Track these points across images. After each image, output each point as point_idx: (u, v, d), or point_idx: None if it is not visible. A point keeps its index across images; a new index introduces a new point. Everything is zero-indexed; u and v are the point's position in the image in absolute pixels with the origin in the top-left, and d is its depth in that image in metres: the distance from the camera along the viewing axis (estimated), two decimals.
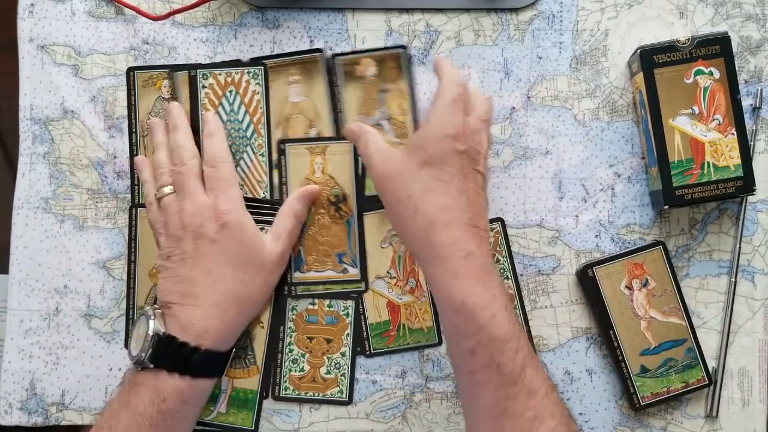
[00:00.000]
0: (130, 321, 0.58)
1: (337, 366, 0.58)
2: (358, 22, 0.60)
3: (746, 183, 0.55)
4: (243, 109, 0.58)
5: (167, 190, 0.54)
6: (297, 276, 0.57)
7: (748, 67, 0.59)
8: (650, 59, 0.55)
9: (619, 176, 0.59)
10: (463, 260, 0.46)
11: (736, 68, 0.56)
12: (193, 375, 0.50)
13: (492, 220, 0.59)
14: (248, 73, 0.58)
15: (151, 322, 0.50)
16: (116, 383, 0.58)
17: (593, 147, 0.59)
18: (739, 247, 0.58)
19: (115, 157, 0.59)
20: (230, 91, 0.58)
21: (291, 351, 0.58)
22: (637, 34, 0.60)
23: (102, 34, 0.60)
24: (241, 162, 0.58)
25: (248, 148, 0.58)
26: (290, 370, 0.58)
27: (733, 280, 0.58)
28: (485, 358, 0.45)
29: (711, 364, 0.58)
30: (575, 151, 0.59)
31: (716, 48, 0.55)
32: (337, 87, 0.57)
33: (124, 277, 0.59)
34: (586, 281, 0.57)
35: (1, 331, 0.61)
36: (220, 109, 0.58)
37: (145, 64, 0.59)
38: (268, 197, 0.57)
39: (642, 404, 0.57)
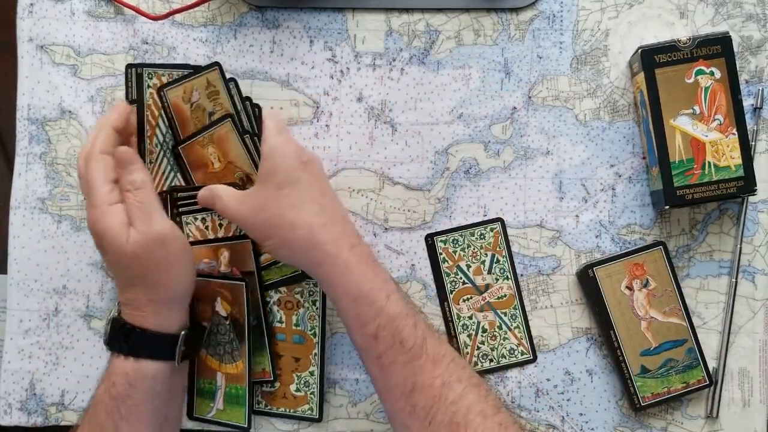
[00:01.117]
0: None
1: (306, 384, 0.58)
2: (358, 22, 0.60)
3: (747, 183, 0.55)
4: None
5: None
6: (264, 259, 0.57)
7: (749, 67, 0.59)
8: (651, 59, 0.55)
9: (619, 176, 0.59)
10: (351, 252, 0.50)
11: (737, 68, 0.56)
12: (135, 355, 0.50)
13: (492, 220, 0.59)
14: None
15: (113, 310, 0.52)
16: None
17: (594, 147, 0.59)
18: (740, 248, 0.58)
19: None
20: None
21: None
22: (638, 34, 0.59)
23: (101, 33, 0.60)
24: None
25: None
26: (261, 385, 0.58)
27: (733, 280, 0.58)
28: (388, 339, 0.48)
29: (711, 364, 0.58)
30: (576, 151, 0.59)
31: (717, 48, 0.55)
32: (172, 120, 0.56)
33: None
34: (587, 281, 0.57)
35: (1, 332, 0.60)
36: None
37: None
38: None
39: (642, 405, 0.57)
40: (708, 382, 0.57)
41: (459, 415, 0.46)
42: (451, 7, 0.59)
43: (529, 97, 0.59)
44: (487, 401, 0.47)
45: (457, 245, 0.59)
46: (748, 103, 0.59)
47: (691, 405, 0.58)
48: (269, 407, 0.58)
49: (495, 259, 0.59)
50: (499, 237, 0.59)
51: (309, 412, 0.58)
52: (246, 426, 0.57)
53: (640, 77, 0.56)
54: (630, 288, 0.57)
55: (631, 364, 0.56)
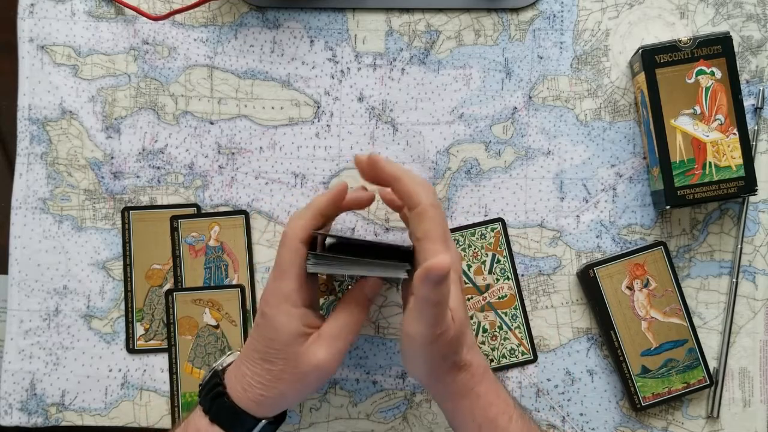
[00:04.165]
0: (129, 324, 0.58)
1: None
2: (359, 22, 0.60)
3: (748, 183, 0.55)
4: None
5: None
6: None
7: (750, 67, 0.59)
8: (652, 59, 0.55)
9: (620, 176, 0.59)
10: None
11: (738, 68, 0.56)
12: (212, 419, 0.48)
13: (493, 220, 0.59)
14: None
15: (228, 357, 0.52)
16: (116, 384, 0.58)
17: (595, 147, 0.59)
18: (741, 248, 0.58)
19: (112, 158, 0.59)
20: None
21: None
22: (638, 34, 0.59)
23: (102, 34, 0.60)
24: None
25: None
26: None
27: (734, 280, 0.58)
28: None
29: (712, 364, 0.58)
30: (577, 151, 0.59)
31: (718, 48, 0.55)
32: None
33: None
34: (587, 281, 0.57)
35: (1, 332, 0.60)
36: None
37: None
38: None
39: (643, 405, 0.57)
40: (708, 382, 0.57)
41: None
42: (451, 7, 0.59)
43: (530, 97, 0.59)
44: None
45: (457, 245, 0.59)
46: (748, 103, 0.59)
47: (692, 405, 0.58)
48: None
49: (496, 259, 0.59)
50: (500, 237, 0.59)
51: None
52: None
53: (641, 77, 0.56)
54: (630, 288, 0.57)
55: (632, 364, 0.56)
